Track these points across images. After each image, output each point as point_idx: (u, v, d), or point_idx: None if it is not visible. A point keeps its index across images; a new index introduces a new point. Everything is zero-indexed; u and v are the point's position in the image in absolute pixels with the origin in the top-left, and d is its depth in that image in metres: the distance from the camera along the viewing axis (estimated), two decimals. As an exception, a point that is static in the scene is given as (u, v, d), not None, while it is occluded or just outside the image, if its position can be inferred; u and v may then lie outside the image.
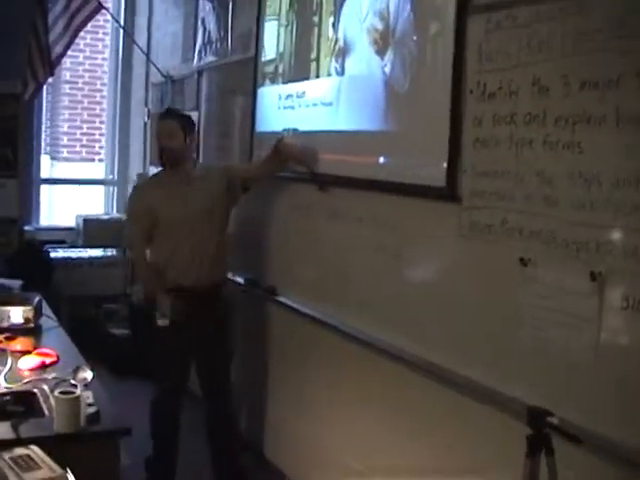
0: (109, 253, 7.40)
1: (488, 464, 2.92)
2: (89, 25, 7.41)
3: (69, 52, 7.43)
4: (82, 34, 8.06)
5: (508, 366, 2.83)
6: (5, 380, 3.21)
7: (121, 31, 8.11)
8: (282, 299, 4.50)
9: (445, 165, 3.11)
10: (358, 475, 3.74)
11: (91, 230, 7.69)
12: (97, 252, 7.52)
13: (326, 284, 4.08)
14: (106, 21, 9.21)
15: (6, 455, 2.37)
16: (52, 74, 6.85)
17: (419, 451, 3.36)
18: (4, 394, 3.05)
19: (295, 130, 4.32)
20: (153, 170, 6.98)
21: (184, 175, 4.38)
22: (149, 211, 4.37)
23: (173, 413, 4.46)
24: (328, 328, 3.97)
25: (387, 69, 3.49)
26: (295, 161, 4.28)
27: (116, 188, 8.51)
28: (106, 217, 8.10)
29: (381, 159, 3.58)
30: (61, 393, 2.78)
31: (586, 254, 2.49)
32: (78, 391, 2.81)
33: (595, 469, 2.46)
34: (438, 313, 3.22)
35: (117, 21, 7.90)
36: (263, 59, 4.74)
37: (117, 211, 8.37)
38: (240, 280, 4.98)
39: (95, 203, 8.75)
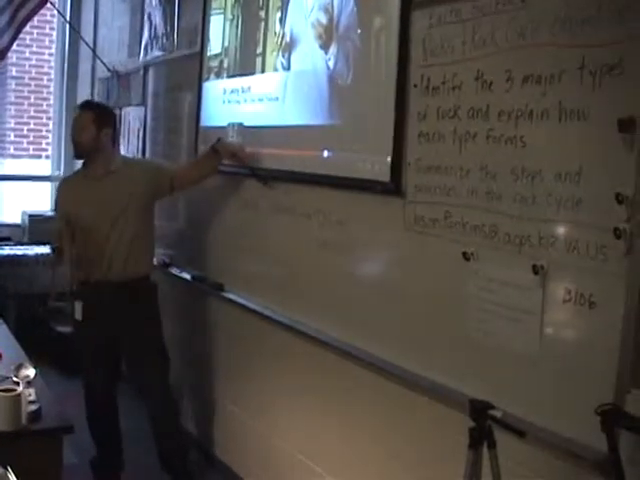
0: (55, 250, 7.26)
1: (432, 456, 2.94)
2: (35, 20, 7.32)
3: (15, 47, 7.33)
4: (28, 29, 7.96)
5: (452, 359, 2.85)
6: (-55, 379, 3.16)
7: (67, 26, 8.01)
8: (229, 295, 4.47)
9: (389, 159, 3.11)
10: (309, 470, 3.74)
11: (37, 227, 7.58)
12: (43, 249, 7.41)
13: (273, 280, 4.07)
14: (53, 16, 9.10)
15: (-56, 454, 2.33)
16: (-4, 68, 6.76)
17: (365, 445, 3.36)
18: (-56, 393, 3.00)
19: (240, 125, 4.30)
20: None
21: (100, 170, 4.31)
22: (64, 209, 4.38)
23: (105, 410, 4.47)
24: (276, 324, 3.96)
25: (331, 63, 3.48)
26: (235, 160, 4.25)
27: (62, 184, 8.39)
28: (52, 213, 7.98)
29: (326, 153, 3.57)
30: (2, 391, 2.74)
31: (528, 248, 2.51)
32: (20, 388, 2.77)
33: (538, 461, 2.48)
34: (383, 307, 3.22)
35: (63, 15, 7.80)
36: (208, 53, 4.71)
37: (64, 208, 8.25)
38: (187, 277, 4.95)
39: (42, 199, 8.64)
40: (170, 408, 4.47)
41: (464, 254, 2.75)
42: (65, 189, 4.52)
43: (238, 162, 4.24)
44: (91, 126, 4.26)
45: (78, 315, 4.28)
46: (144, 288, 4.40)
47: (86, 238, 4.25)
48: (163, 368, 4.41)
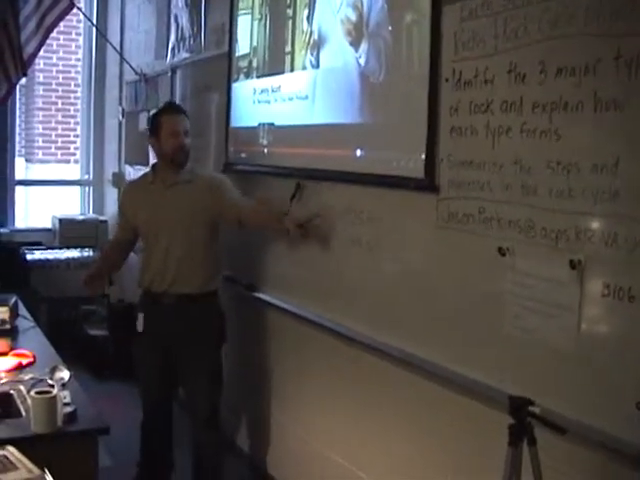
0: (86, 254, 7.31)
1: (471, 455, 2.91)
2: (62, 26, 7.35)
3: (42, 53, 7.37)
4: (55, 35, 7.99)
5: (489, 357, 2.82)
6: (-19, 382, 3.17)
7: (94, 30, 8.05)
8: (261, 295, 4.47)
9: (423, 156, 3.08)
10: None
11: (67, 231, 7.63)
12: (74, 253, 7.46)
13: (306, 280, 4.06)
14: (79, 21, 9.16)
15: (-18, 456, 2.33)
16: (25, 74, 6.77)
17: (404, 445, 3.34)
18: (-20, 396, 3.02)
19: (271, 125, 4.28)
20: (128, 170, 6.95)
21: (171, 178, 4.15)
22: (127, 215, 4.34)
23: (159, 422, 4.34)
24: (308, 323, 3.96)
25: (362, 60, 3.46)
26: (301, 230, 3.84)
27: (92, 188, 8.45)
28: (82, 217, 8.04)
29: (358, 151, 3.55)
30: (37, 393, 2.74)
31: (565, 242, 2.48)
32: (55, 391, 2.77)
33: (578, 457, 2.45)
34: (417, 305, 3.20)
35: (89, 20, 7.84)
36: (237, 54, 4.70)
37: (93, 211, 8.33)
38: (221, 278, 4.94)
39: (71, 204, 8.69)
40: (213, 433, 4.29)
41: (499, 249, 2.71)
42: (131, 194, 4.44)
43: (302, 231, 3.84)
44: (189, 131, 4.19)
45: (139, 327, 4.19)
46: (206, 304, 4.22)
47: (149, 247, 4.22)
48: (214, 389, 4.25)
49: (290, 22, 4.08)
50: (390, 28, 3.30)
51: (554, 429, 2.27)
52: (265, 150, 4.41)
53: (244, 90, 4.62)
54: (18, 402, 2.99)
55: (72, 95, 10.59)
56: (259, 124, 4.41)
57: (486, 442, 2.75)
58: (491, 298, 2.80)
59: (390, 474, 3.44)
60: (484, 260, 2.81)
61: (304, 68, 3.95)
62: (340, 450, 3.79)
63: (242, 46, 4.64)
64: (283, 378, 4.36)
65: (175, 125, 4.13)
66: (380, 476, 3.51)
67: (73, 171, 9.52)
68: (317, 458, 3.98)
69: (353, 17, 3.51)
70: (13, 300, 4.17)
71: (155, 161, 4.37)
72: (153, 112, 4.43)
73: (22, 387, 3.10)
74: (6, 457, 2.33)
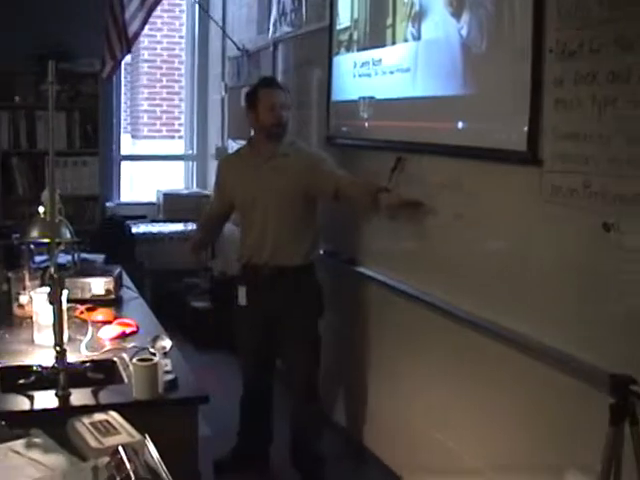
0: (189, 227, 7.41)
1: (569, 434, 2.86)
2: (166, 4, 7.45)
3: (147, 31, 7.48)
4: (159, 13, 8.10)
5: (590, 333, 2.75)
6: (86, 349, 3.25)
7: (197, 7, 8.13)
8: (361, 269, 4.46)
9: (526, 128, 3.02)
10: (456, 457, 3.68)
11: (171, 205, 7.78)
12: (178, 226, 7.59)
13: (406, 253, 4.03)
14: (182, -2, 9.29)
15: (86, 420, 2.39)
16: (129, 51, 6.87)
17: (499, 424, 3.31)
18: (85, 362, 3.08)
19: (372, 98, 4.26)
20: (231, 144, 7.01)
21: (270, 151, 4.16)
22: (224, 189, 4.38)
23: (261, 407, 4.42)
24: (408, 298, 3.94)
25: (464, 32, 3.41)
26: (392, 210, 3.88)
27: (195, 163, 8.57)
28: (186, 192, 8.17)
29: (460, 124, 3.50)
30: (139, 360, 2.79)
31: (673, 217, 2.41)
32: (156, 359, 2.82)
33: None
34: (520, 280, 3.15)
35: (192, -4, 7.92)
36: (338, 27, 4.68)
37: (197, 186, 8.45)
38: (319, 252, 4.95)
39: (175, 179, 8.84)
40: (312, 406, 4.34)
41: (604, 225, 2.65)
42: (227, 168, 4.46)
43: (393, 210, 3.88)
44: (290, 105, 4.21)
45: (242, 300, 4.23)
46: (304, 276, 4.25)
47: (247, 221, 4.26)
48: (312, 360, 4.27)
49: (391, -6, 4.04)
50: (492, -2, 3.24)
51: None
52: (366, 124, 4.39)
53: (345, 64, 4.60)
54: (121, 369, 3.06)
55: (176, 72, 10.79)
56: (360, 98, 4.39)
57: (586, 420, 2.70)
58: (595, 274, 2.73)
59: (489, 452, 3.41)
60: (589, 236, 2.74)
61: (405, 40, 3.91)
62: (438, 426, 3.78)
63: (343, 19, 4.62)
64: (381, 352, 4.35)
65: (272, 98, 4.15)
66: (478, 454, 3.49)
67: (177, 146, 9.68)
68: (414, 433, 3.98)
69: (455, -13, 3.46)
70: (117, 271, 4.25)
71: (252, 134, 4.39)
72: (246, 88, 4.46)
73: (125, 355, 3.17)
74: (108, 422, 2.39)
